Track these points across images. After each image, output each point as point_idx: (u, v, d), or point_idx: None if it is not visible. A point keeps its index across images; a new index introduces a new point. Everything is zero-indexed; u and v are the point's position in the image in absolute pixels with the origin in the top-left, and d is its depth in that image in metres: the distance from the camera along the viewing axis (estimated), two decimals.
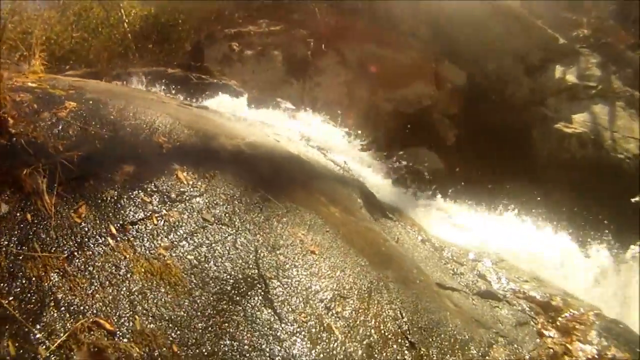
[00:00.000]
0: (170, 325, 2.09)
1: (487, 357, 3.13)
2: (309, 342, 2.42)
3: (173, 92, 7.49)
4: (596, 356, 3.83)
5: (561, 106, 9.63)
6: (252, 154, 4.05)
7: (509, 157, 8.62)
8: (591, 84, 10.19)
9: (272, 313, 2.47)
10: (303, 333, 2.45)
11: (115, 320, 1.98)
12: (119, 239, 2.36)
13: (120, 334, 1.93)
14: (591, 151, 8.75)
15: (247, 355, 2.19)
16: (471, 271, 4.99)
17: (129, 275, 2.20)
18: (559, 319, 4.40)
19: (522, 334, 3.91)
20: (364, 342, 2.60)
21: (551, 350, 3.81)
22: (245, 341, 2.24)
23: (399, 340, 2.77)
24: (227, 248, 2.70)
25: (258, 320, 2.38)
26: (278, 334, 2.37)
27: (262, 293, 2.56)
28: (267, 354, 2.24)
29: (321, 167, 5.20)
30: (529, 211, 7.23)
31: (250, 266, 2.68)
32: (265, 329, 2.36)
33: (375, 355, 2.59)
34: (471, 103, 9.75)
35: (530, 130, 9.30)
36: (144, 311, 2.08)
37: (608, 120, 9.41)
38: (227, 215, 2.95)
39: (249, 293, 2.52)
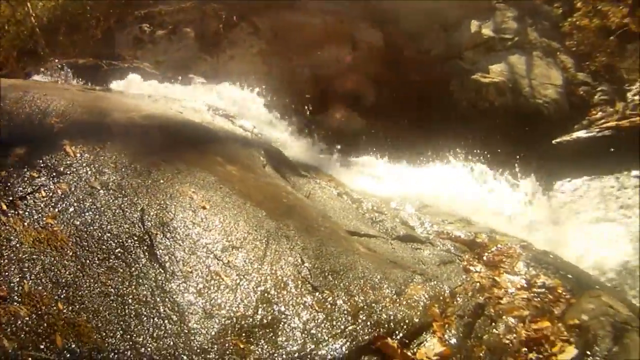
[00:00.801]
0: (56, 286, 2.22)
1: (402, 295, 3.01)
2: (195, 292, 2.46)
3: (85, 81, 7.53)
4: (525, 285, 3.64)
5: (478, 58, 9.55)
6: (146, 124, 4.17)
7: (430, 110, 8.49)
8: (507, 36, 10.20)
9: (158, 267, 2.53)
10: (190, 284, 2.50)
11: (6, 287, 2.11)
12: (9, 214, 2.51)
13: (10, 298, 2.06)
14: (510, 98, 8.77)
15: (132, 307, 2.26)
16: (393, 219, 4.80)
17: (18, 246, 2.33)
18: (486, 254, 4.22)
19: (447, 271, 3.72)
20: (259, 289, 2.61)
21: (478, 284, 3.59)
22: (131, 295, 2.31)
23: (300, 285, 2.76)
24: (114, 211, 2.80)
25: (143, 274, 2.46)
26: (164, 286, 2.43)
27: (148, 249, 2.62)
28: (152, 306, 2.29)
29: (224, 132, 5.22)
30: (452, 158, 7.18)
31: (136, 226, 2.76)
32: (151, 282, 2.42)
33: (272, 300, 2.58)
34: (389, 62, 9.48)
35: (449, 83, 9.15)
36: (32, 276, 2.21)
37: (525, 69, 9.44)
38: (114, 181, 3.06)
39: (135, 251, 2.59)
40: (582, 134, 8.17)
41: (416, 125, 8.16)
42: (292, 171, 5.24)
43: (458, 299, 3.27)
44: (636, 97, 9.74)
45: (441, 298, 3.19)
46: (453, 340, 2.84)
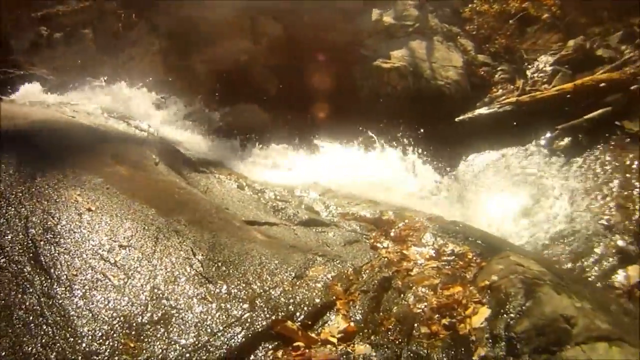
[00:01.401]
0: None
1: (303, 278, 2.97)
2: (81, 295, 2.42)
3: None
4: (434, 254, 3.51)
5: (379, 45, 9.51)
6: (34, 130, 4.22)
7: (334, 99, 8.28)
8: (408, 23, 10.32)
9: (43, 274, 2.50)
10: (75, 287, 2.46)
11: None
12: None
13: None
14: (411, 82, 8.71)
15: (21, 317, 2.22)
16: (297, 206, 4.69)
17: None
18: (393, 230, 4.08)
19: (353, 251, 3.57)
20: (148, 286, 2.56)
21: (386, 259, 3.44)
22: (18, 305, 2.28)
23: (192, 278, 2.71)
24: None
25: (29, 283, 2.42)
26: (50, 292, 2.40)
27: (33, 257, 2.59)
28: (39, 314, 2.26)
29: (116, 133, 5.22)
30: (358, 144, 7.14)
31: (20, 234, 2.72)
32: (37, 290, 2.40)
33: (163, 296, 2.53)
34: (290, 53, 9.25)
35: (351, 70, 9.00)
36: None
37: (426, 54, 9.49)
38: None
39: (20, 260, 2.55)
40: (483, 110, 8.24)
41: (321, 114, 8.00)
42: (190, 168, 5.11)
43: (363, 275, 3.14)
44: (536, 75, 10.09)
45: (344, 276, 3.05)
46: (358, 316, 2.71)
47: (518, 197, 6.29)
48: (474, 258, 3.44)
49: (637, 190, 6.27)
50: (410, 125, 7.69)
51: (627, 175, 6.59)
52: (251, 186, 5.12)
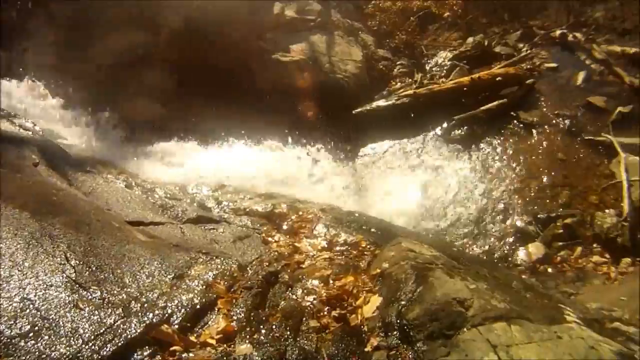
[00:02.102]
0: None
1: (183, 278, 2.77)
2: None
3: None
4: (326, 245, 3.40)
5: (280, 39, 9.30)
6: None
7: (234, 93, 8.00)
8: (310, 17, 10.21)
9: None
10: None
11: None
12: None
13: None
14: (311, 75, 8.53)
15: None
16: (189, 203, 4.43)
17: None
18: (285, 223, 3.95)
19: (243, 247, 3.40)
20: (17, 297, 2.33)
21: (276, 253, 3.29)
22: None
23: (64, 285, 2.49)
24: None
25: None
26: None
27: None
28: None
29: None
30: (258, 137, 6.99)
31: None
32: None
33: (33, 306, 2.31)
34: (191, 46, 8.84)
35: (251, 64, 8.71)
36: None
37: (326, 48, 9.46)
38: None
39: None
40: (381, 102, 8.28)
41: (220, 109, 7.64)
42: (76, 168, 4.73)
43: (249, 271, 2.95)
44: (435, 69, 10.34)
45: (228, 274, 2.85)
46: (241, 315, 2.53)
47: (416, 185, 6.40)
48: (368, 246, 3.37)
49: (531, 173, 6.56)
50: (310, 118, 7.62)
51: (522, 160, 6.89)
52: (141, 185, 4.84)
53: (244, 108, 7.49)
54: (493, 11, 15.05)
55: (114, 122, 7.46)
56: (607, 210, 5.60)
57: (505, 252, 5.62)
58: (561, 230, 5.60)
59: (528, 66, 10.24)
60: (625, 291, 4.34)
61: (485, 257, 5.47)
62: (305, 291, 2.73)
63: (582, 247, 5.41)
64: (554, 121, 7.92)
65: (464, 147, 7.28)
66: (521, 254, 5.51)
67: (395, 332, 2.37)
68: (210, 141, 6.92)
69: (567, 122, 7.82)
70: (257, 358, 2.24)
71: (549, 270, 5.25)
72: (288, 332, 2.43)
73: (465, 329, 2.28)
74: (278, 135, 6.88)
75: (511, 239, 5.74)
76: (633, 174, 5.82)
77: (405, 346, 2.30)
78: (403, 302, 2.46)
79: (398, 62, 10.28)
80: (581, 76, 9.55)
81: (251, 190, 4.91)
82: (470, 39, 11.38)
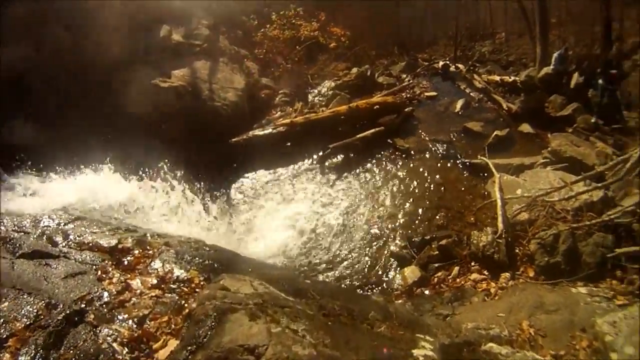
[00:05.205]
0: None
1: None
2: None
3: None
4: (156, 282, 3.38)
5: (164, 62, 9.23)
6: None
7: (110, 116, 7.84)
8: (197, 42, 10.24)
9: None
10: None
11: None
12: None
13: None
14: (189, 102, 8.57)
15: None
16: (38, 236, 4.26)
17: None
18: (126, 258, 3.85)
19: (72, 284, 3.29)
20: None
21: (105, 292, 3.20)
22: None
23: None
24: None
25: None
26: None
27: None
28: None
29: None
30: (128, 165, 6.80)
31: None
32: None
33: None
34: (76, 64, 8.45)
35: (131, 87, 8.41)
36: None
37: (208, 74, 9.49)
38: None
39: None
40: (258, 132, 8.38)
41: (94, 133, 7.33)
42: None
43: (57, 308, 2.87)
44: (316, 98, 10.63)
45: (32, 312, 2.79)
46: (30, 353, 2.48)
47: (290, 214, 6.47)
48: (201, 283, 3.38)
49: (407, 198, 6.84)
50: (187, 145, 7.51)
51: (398, 185, 7.18)
52: None
53: (122, 132, 7.32)
54: (383, 44, 15.71)
55: None
56: (485, 229, 5.71)
57: (381, 278, 5.71)
58: (437, 252, 5.75)
59: (408, 95, 10.78)
60: (504, 307, 4.43)
61: (347, 286, 5.53)
62: (109, 332, 2.70)
63: (459, 267, 5.54)
64: (431, 146, 8.34)
65: (339, 175, 7.47)
66: (397, 279, 5.61)
67: None
68: (77, 169, 6.61)
69: (444, 146, 8.29)
70: None
71: (426, 292, 5.33)
72: None
73: None
74: (150, 162, 6.70)
75: (386, 265, 5.85)
76: (507, 193, 6.12)
77: None
78: (190, 348, 2.43)
79: (280, 91, 10.46)
80: (460, 103, 10.19)
81: (107, 223, 4.77)
82: (355, 69, 11.82)
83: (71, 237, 4.35)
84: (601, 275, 4.66)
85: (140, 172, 6.64)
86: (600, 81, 8.94)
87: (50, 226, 4.66)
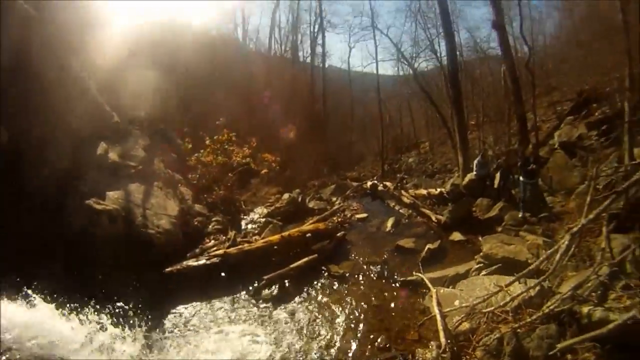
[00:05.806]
0: None
1: None
2: None
3: None
4: None
5: (98, 182, 8.96)
6: None
7: (44, 233, 7.45)
8: (133, 163, 10.14)
9: None
10: None
11: None
12: None
13: None
14: (122, 227, 8.30)
15: None
16: None
17: None
18: None
19: None
20: None
21: None
22: None
23: None
24: None
25: None
26: None
27: None
28: None
29: None
30: (55, 294, 6.25)
31: None
32: None
33: None
34: (12, 165, 8.12)
35: (65, 204, 8.31)
36: None
37: (142, 199, 9.34)
38: None
39: None
40: (192, 262, 8.24)
41: (26, 258, 6.81)
42: None
43: None
44: (249, 226, 10.73)
45: None
46: None
47: (224, 352, 6.18)
48: None
49: (346, 324, 6.76)
50: (120, 273, 7.23)
51: (335, 312, 7.12)
52: None
53: (52, 257, 7.08)
54: (313, 166, 16.36)
55: None
56: (429, 344, 5.74)
57: None
58: None
59: (339, 219, 11.11)
60: None
61: None
62: None
63: None
64: (365, 269, 8.48)
65: (275, 306, 7.36)
66: None
67: None
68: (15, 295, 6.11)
69: (378, 268, 8.48)
70: None
71: None
72: None
73: None
74: (75, 293, 6.30)
75: None
76: (446, 305, 6.21)
77: None
78: None
79: (214, 219, 10.50)
80: (390, 222, 10.61)
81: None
82: (286, 195, 12.08)
83: None
84: None
85: (65, 303, 6.16)
86: (521, 178, 9.71)
87: None
